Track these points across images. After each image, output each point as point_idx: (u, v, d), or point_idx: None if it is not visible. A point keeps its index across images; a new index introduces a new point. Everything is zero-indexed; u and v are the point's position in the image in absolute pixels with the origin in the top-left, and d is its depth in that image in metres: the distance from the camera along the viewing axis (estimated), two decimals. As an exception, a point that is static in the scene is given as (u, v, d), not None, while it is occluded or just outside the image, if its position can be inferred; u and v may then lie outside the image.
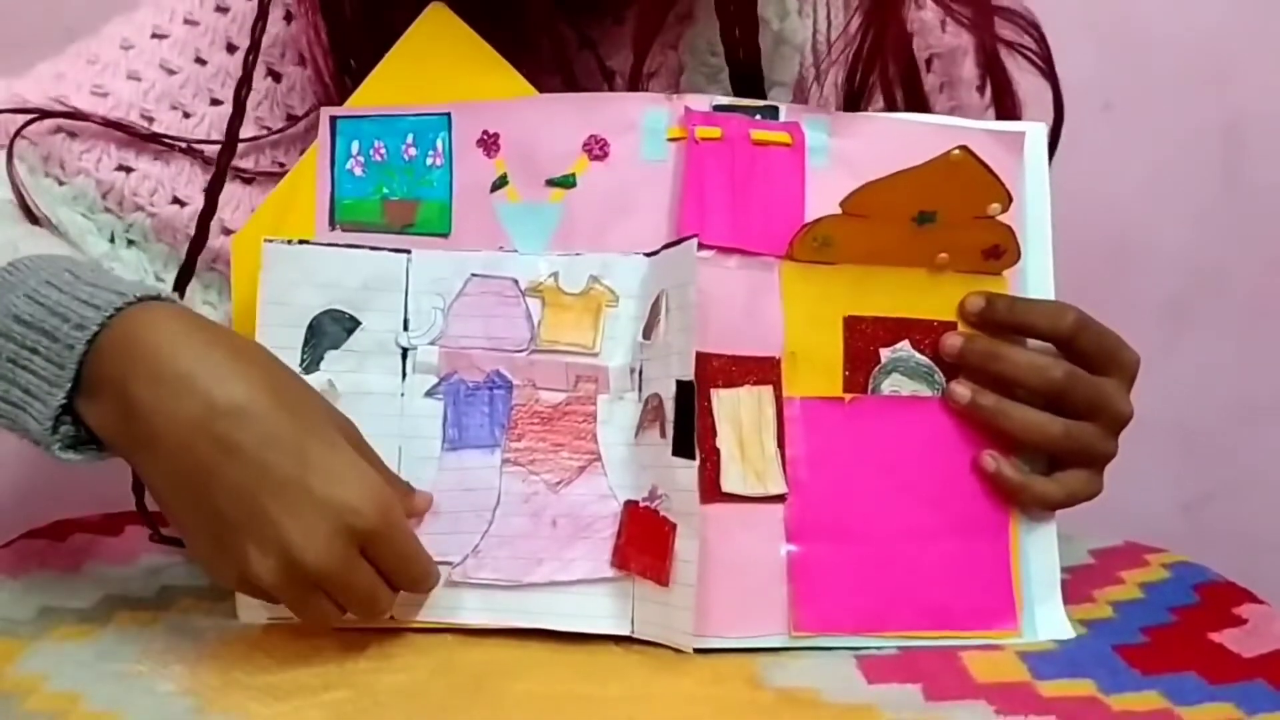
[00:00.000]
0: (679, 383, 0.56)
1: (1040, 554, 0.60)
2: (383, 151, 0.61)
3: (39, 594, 0.62)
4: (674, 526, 0.56)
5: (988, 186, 0.58)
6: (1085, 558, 0.70)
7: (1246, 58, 1.00)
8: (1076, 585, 0.66)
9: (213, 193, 0.65)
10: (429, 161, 0.61)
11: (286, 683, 0.54)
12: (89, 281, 0.55)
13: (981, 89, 0.72)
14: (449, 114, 0.61)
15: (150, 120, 0.67)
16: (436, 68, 0.61)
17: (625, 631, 0.57)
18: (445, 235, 0.61)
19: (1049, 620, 0.60)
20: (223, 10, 0.68)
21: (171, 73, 0.67)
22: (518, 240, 0.61)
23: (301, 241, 0.59)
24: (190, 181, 0.67)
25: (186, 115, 0.67)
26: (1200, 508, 1.03)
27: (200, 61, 0.68)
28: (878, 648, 0.57)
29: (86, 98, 0.66)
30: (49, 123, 0.66)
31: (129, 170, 0.66)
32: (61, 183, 0.66)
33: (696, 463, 0.55)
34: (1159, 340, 1.02)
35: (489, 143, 0.61)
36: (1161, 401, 0.99)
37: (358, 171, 0.61)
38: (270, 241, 0.59)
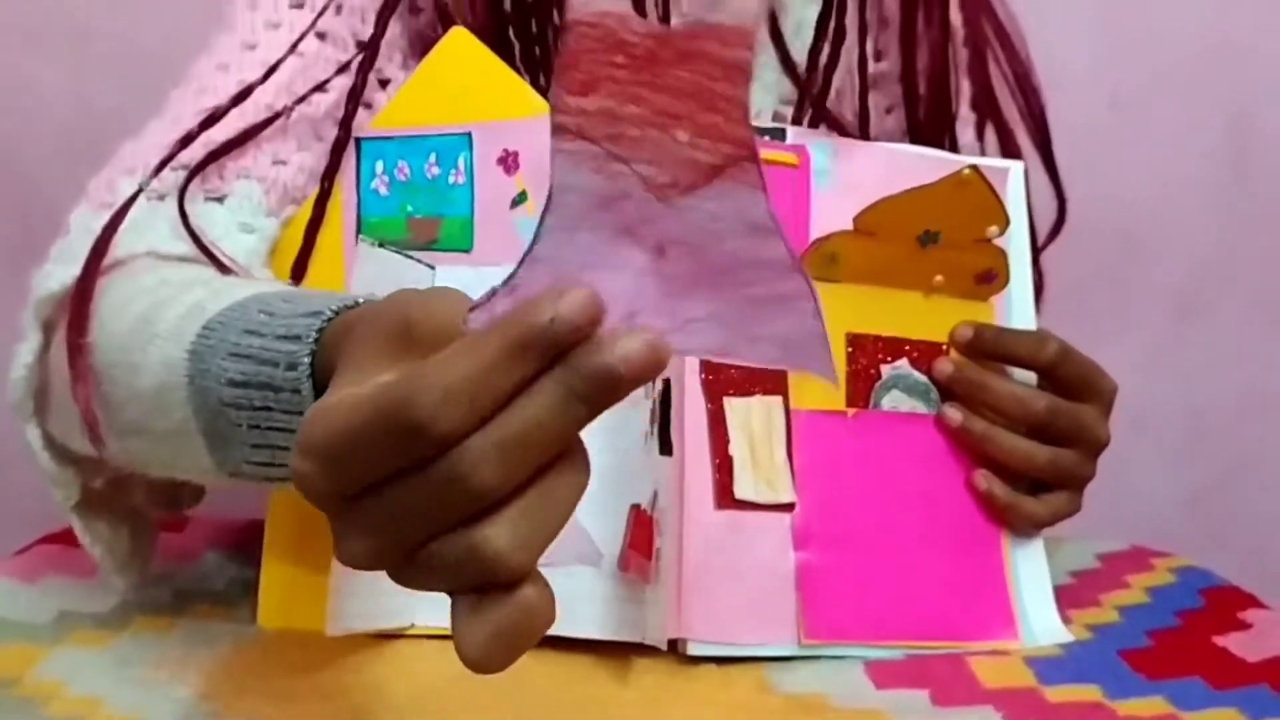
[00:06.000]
0: (663, 380, 0.57)
1: (1030, 563, 0.62)
2: (406, 171, 0.62)
3: (56, 599, 0.62)
4: (656, 524, 0.57)
5: (990, 208, 0.60)
6: (1092, 561, 0.71)
7: (1254, 49, 0.99)
8: (1083, 589, 0.66)
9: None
10: (451, 180, 0.62)
11: (303, 687, 0.54)
12: (284, 314, 0.47)
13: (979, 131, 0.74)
14: (470, 134, 0.62)
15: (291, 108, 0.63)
16: (458, 89, 0.62)
17: (637, 638, 0.57)
18: (467, 251, 0.62)
19: (1045, 627, 0.61)
20: None
21: (300, 55, 0.65)
22: None
23: (381, 244, 0.61)
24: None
25: (322, 89, 0.64)
26: (1207, 499, 1.04)
27: (320, 36, 0.65)
28: (886, 655, 0.58)
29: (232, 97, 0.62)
30: (198, 148, 0.61)
31: (283, 164, 0.64)
32: (222, 199, 0.62)
33: (673, 459, 0.56)
34: (1166, 332, 1.03)
35: (509, 161, 0.61)
36: (1169, 392, 1.00)
37: (382, 190, 0.62)
38: (363, 241, 0.61)
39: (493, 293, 0.34)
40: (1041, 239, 0.73)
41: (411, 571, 0.35)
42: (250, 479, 0.50)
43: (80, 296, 0.54)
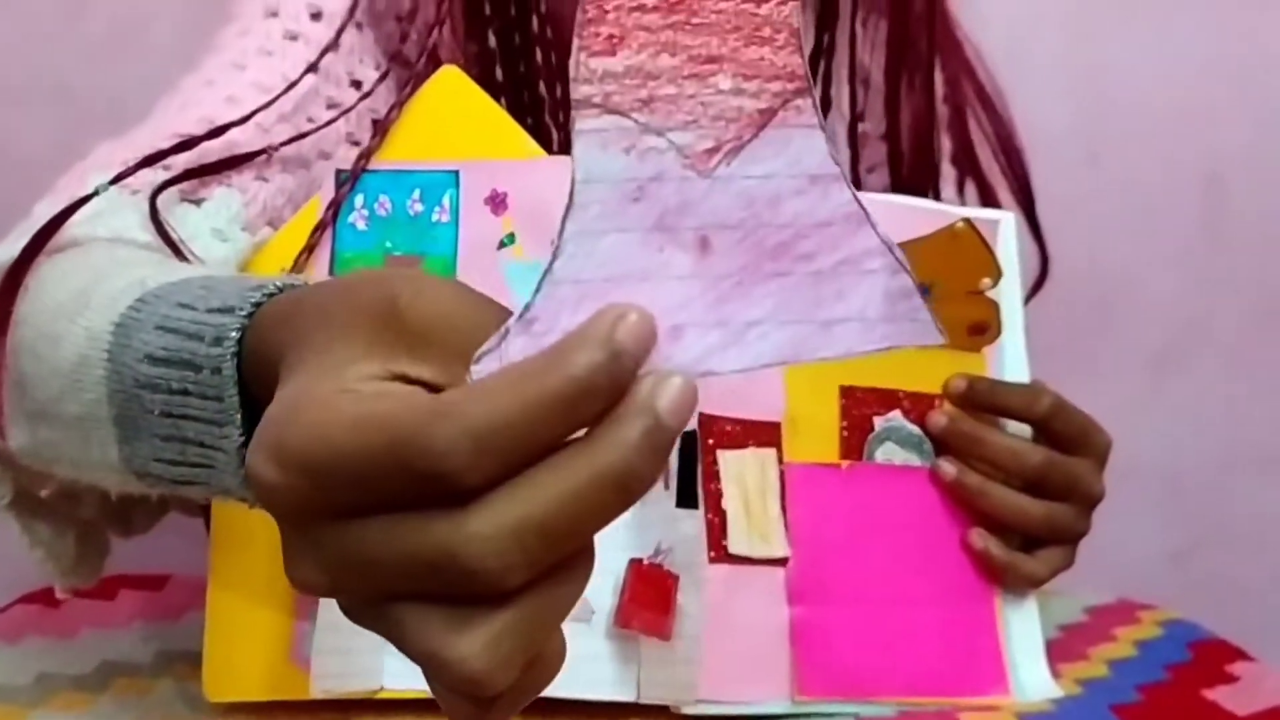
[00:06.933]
0: (682, 433, 0.57)
1: (1021, 618, 0.62)
2: (387, 206, 0.60)
3: (36, 660, 0.61)
4: (676, 579, 0.56)
5: (983, 259, 0.60)
6: (1079, 615, 0.71)
7: (1226, 113, 1.01)
8: (1071, 643, 0.66)
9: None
10: (435, 217, 0.60)
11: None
12: (224, 290, 0.41)
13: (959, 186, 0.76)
14: (457, 172, 0.60)
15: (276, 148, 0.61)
16: (447, 126, 0.61)
17: (630, 698, 0.57)
18: None
19: (1036, 682, 0.60)
20: (316, 18, 0.65)
21: (292, 85, 0.63)
22: (525, 297, 0.60)
23: None
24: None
25: (309, 120, 0.63)
26: (1188, 556, 1.04)
27: (313, 69, 0.63)
28: (877, 711, 0.57)
29: (222, 107, 0.60)
30: (181, 154, 0.58)
31: (265, 181, 0.61)
32: (200, 202, 0.59)
33: (700, 512, 0.56)
34: (1145, 389, 1.03)
35: (497, 201, 0.60)
36: (1148, 450, 1.00)
37: (360, 225, 0.60)
38: None
39: (504, 334, 0.29)
40: (1023, 294, 0.73)
41: (369, 620, 0.30)
42: (158, 482, 0.43)
43: (15, 269, 0.49)
